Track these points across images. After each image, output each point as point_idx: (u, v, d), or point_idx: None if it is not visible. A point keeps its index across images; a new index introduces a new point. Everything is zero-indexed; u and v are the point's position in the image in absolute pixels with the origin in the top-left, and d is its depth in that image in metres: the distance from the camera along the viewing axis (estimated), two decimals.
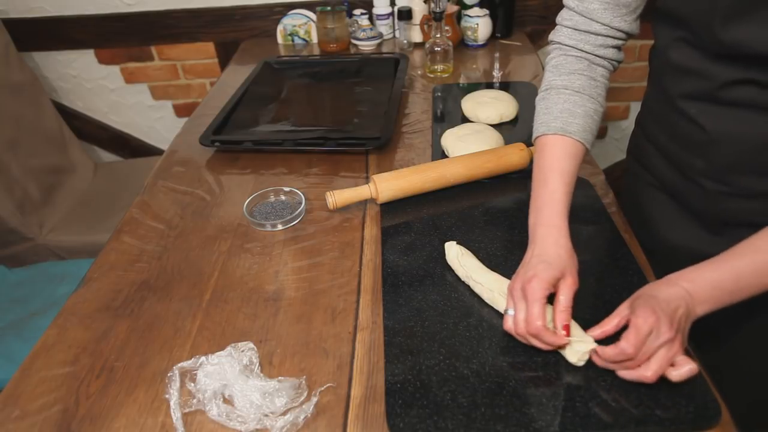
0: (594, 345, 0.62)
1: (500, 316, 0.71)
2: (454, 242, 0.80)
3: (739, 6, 0.60)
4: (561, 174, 0.71)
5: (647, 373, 0.58)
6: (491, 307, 0.72)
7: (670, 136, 0.79)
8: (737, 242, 0.73)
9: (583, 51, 0.76)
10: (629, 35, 0.77)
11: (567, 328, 0.63)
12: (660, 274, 0.77)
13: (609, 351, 0.59)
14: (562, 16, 0.78)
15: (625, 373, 0.60)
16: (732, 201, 0.73)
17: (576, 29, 0.76)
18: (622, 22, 0.74)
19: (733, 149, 0.69)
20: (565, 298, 0.64)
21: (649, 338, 0.58)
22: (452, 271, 0.78)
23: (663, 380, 0.61)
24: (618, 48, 0.77)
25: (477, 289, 0.74)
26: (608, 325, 0.62)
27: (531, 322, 0.62)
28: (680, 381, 0.59)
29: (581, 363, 0.63)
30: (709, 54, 0.67)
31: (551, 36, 0.81)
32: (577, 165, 0.73)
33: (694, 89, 0.71)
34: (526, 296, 0.63)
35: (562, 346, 0.63)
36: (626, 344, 0.58)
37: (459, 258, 0.77)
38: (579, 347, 0.63)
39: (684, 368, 0.58)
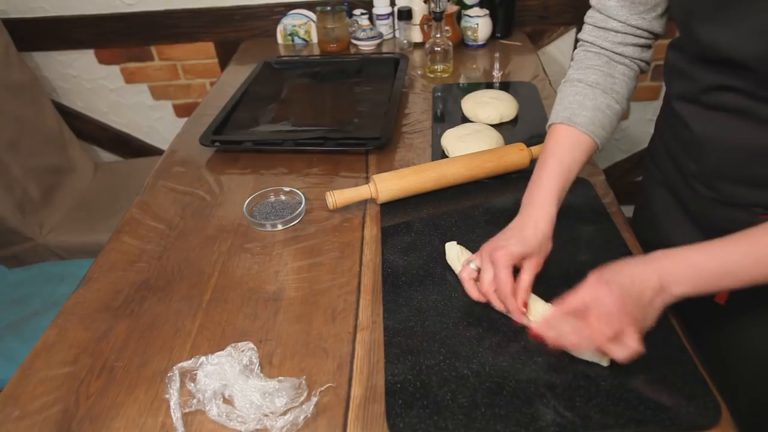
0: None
1: (501, 316, 0.71)
2: (455, 242, 0.80)
3: (712, 6, 0.60)
4: (559, 161, 0.74)
5: (570, 337, 0.59)
6: (491, 307, 0.72)
7: (673, 136, 0.79)
8: None
9: (602, 48, 0.77)
10: (653, 33, 0.75)
11: (525, 305, 0.68)
12: None
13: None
14: (587, 14, 0.79)
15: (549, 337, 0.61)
16: (723, 209, 0.72)
17: (595, 26, 0.77)
18: (640, 19, 0.73)
19: (719, 155, 0.69)
20: (527, 277, 0.69)
21: (590, 309, 0.57)
22: (452, 271, 0.78)
23: (663, 381, 0.61)
24: (642, 47, 0.76)
25: None
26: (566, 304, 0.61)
27: (500, 286, 0.67)
28: (615, 358, 0.59)
29: (605, 363, 0.63)
30: (693, 57, 0.68)
31: (578, 34, 0.82)
32: (580, 155, 0.74)
33: (684, 91, 0.72)
34: (494, 262, 0.68)
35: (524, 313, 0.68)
36: (557, 310, 0.60)
37: (459, 258, 0.77)
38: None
39: (620, 350, 0.57)
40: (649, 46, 0.77)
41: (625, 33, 0.75)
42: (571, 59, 0.82)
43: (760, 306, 0.71)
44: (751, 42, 0.57)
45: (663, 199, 0.86)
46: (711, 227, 0.75)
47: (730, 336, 0.76)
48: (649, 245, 0.83)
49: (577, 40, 0.83)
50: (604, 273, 0.60)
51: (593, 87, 0.76)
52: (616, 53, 0.76)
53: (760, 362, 0.74)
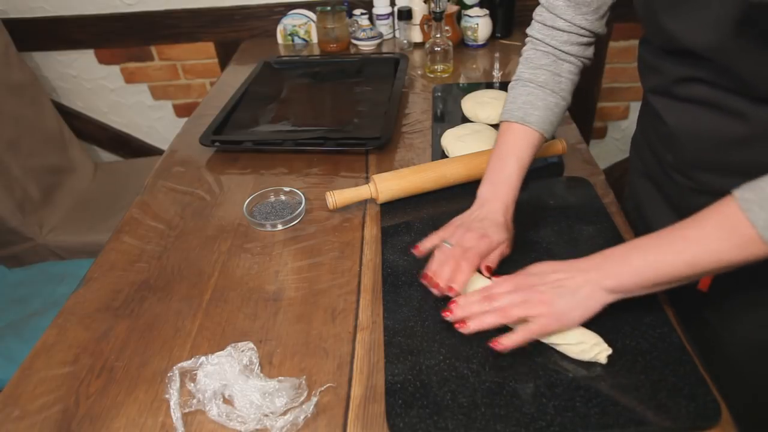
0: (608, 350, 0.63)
1: None
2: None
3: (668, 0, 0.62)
4: (517, 159, 0.81)
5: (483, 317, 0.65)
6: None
7: (651, 128, 0.81)
8: None
9: (549, 45, 0.83)
10: (594, 33, 0.81)
11: (489, 269, 0.73)
12: None
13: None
14: (536, 12, 0.85)
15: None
16: (701, 197, 0.72)
17: (544, 24, 0.83)
18: (584, 20, 0.80)
19: (693, 145, 0.70)
20: (494, 258, 0.75)
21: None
22: None
23: (663, 381, 0.61)
24: (584, 45, 0.82)
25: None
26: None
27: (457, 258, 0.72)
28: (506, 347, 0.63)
29: (603, 361, 0.64)
30: (659, 50, 0.70)
31: (527, 30, 0.87)
32: (533, 152, 0.82)
33: (656, 84, 0.74)
34: (466, 256, 0.72)
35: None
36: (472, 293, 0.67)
37: None
38: (594, 349, 0.63)
39: (508, 339, 0.63)
40: (590, 44, 0.83)
41: (570, 32, 0.81)
42: (520, 55, 0.88)
43: (743, 292, 0.71)
44: (704, 33, 0.59)
45: (645, 189, 0.88)
46: (691, 215, 0.76)
47: (716, 324, 0.77)
48: (636, 232, 0.84)
49: (525, 35, 0.88)
50: (531, 267, 0.67)
51: (543, 87, 0.83)
52: (562, 51, 0.82)
53: (746, 348, 0.74)
